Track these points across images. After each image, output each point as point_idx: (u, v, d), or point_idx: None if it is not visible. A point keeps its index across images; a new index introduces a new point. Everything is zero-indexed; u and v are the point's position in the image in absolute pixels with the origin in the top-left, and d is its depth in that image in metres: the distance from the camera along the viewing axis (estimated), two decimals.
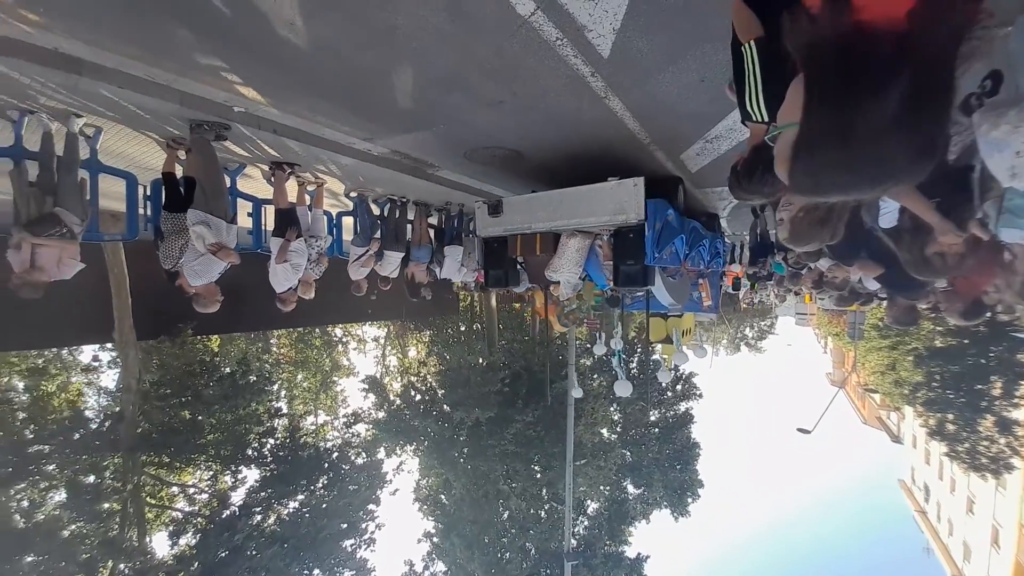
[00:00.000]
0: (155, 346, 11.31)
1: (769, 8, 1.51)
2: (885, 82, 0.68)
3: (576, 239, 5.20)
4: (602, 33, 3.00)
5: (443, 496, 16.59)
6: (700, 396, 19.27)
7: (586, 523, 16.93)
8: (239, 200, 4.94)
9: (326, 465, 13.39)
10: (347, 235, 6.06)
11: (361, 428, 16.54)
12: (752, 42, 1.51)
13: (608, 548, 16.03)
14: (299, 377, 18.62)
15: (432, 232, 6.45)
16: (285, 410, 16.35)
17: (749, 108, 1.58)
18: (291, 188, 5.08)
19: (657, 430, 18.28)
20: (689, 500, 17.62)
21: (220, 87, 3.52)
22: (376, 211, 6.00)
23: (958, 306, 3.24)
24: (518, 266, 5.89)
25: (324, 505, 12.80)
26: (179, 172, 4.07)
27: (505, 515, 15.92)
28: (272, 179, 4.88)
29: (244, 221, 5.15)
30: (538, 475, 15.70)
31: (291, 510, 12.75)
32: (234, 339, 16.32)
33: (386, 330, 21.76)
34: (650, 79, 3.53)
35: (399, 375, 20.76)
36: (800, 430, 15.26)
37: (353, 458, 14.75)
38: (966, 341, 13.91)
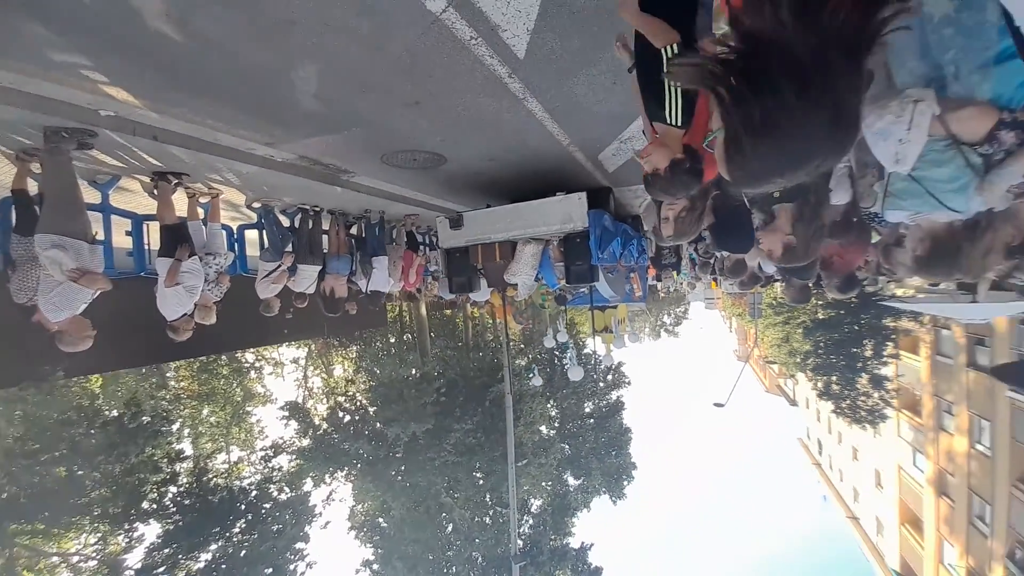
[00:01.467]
0: (17, 395, 9.47)
1: (679, 13, 1.59)
2: (784, 61, 0.69)
3: (531, 245, 5.82)
4: (516, 33, 2.97)
5: (381, 519, 15.78)
6: (629, 383, 20.34)
7: (531, 522, 17.06)
8: (113, 217, 4.28)
9: (242, 507, 12.16)
10: (251, 250, 5.47)
11: (283, 460, 15.26)
12: (673, 46, 1.54)
13: (553, 543, 16.28)
14: (204, 412, 16.61)
15: (352, 242, 6.06)
16: (189, 451, 14.57)
17: (668, 114, 1.63)
18: (179, 201, 4.48)
19: (592, 420, 18.97)
20: (625, 483, 18.49)
21: (83, 88, 2.98)
22: (286, 222, 5.49)
23: (835, 280, 3.75)
24: (479, 272, 6.39)
25: (243, 552, 11.58)
26: (35, 188, 3.42)
27: (449, 528, 15.54)
28: (155, 192, 4.27)
29: (123, 241, 4.47)
30: (480, 481, 15.54)
31: (204, 564, 11.37)
32: (120, 377, 14.18)
33: (306, 350, 20.22)
34: (566, 81, 3.58)
35: (324, 397, 19.40)
36: (716, 404, 16.71)
37: (275, 494, 13.58)
38: (842, 312, 16.12)
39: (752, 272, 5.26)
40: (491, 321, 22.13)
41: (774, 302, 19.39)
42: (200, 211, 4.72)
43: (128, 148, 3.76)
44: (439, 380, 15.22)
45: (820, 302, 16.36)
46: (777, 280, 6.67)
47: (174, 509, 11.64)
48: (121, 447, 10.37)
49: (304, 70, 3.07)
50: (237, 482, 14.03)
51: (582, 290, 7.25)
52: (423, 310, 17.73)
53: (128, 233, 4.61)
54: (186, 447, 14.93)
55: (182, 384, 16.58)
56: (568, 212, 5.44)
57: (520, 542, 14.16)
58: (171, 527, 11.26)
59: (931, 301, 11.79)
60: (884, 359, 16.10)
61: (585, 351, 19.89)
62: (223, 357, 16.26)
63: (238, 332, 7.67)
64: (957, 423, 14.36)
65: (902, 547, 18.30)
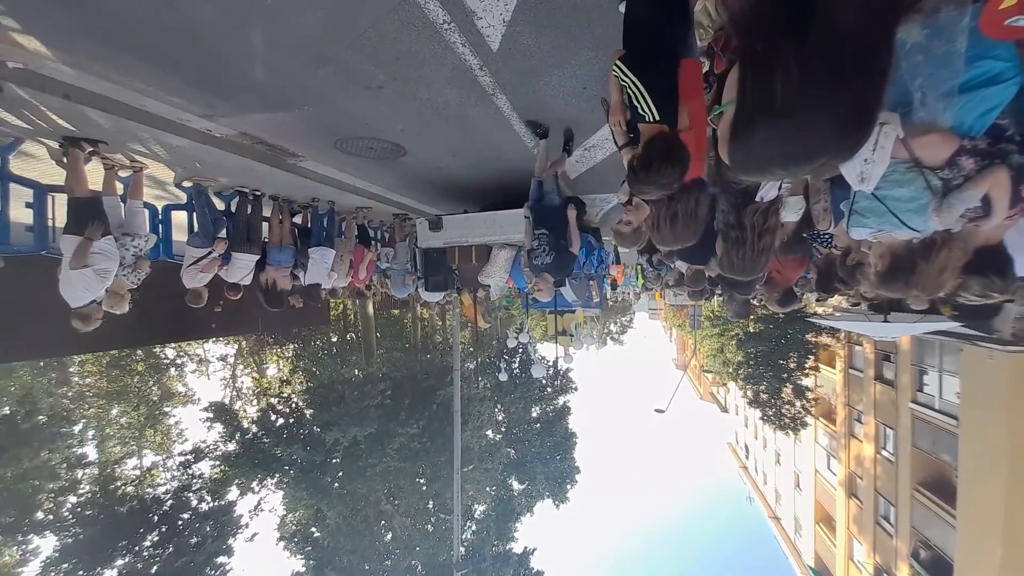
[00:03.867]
0: None
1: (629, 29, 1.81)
2: (801, 49, 0.65)
3: (505, 251, 6.24)
4: (492, 23, 2.84)
5: (314, 529, 14.88)
6: (576, 389, 20.68)
7: (474, 528, 16.83)
8: (12, 185, 3.77)
9: (155, 518, 11.06)
10: (178, 235, 4.91)
11: (205, 466, 14.02)
12: (618, 61, 1.71)
13: (496, 548, 16.13)
14: (114, 412, 14.90)
15: (297, 232, 5.63)
16: (94, 456, 13.07)
17: (642, 111, 1.70)
18: (95, 173, 3.95)
19: (539, 425, 19.05)
20: (568, 487, 18.71)
21: None
22: (220, 206, 4.99)
23: (775, 295, 3.94)
24: (454, 273, 6.76)
25: (155, 568, 10.49)
26: None
27: (388, 536, 14.95)
28: (65, 160, 3.74)
29: (23, 214, 3.95)
30: (424, 488, 15.09)
31: None
32: (12, 371, 12.44)
33: (236, 347, 18.76)
34: (538, 80, 3.49)
35: (255, 398, 18.09)
36: (657, 410, 17.38)
37: (195, 504, 12.43)
38: (771, 326, 17.32)
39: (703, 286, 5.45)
40: (440, 323, 21.74)
41: (712, 315, 20.50)
42: (119, 186, 4.19)
43: (35, 107, 3.25)
44: (384, 382, 14.65)
45: (752, 316, 17.49)
46: (718, 294, 7.00)
47: (73, 520, 10.47)
48: (12, 450, 9.24)
49: (254, 33, 2.76)
50: (150, 490, 12.82)
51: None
52: (370, 309, 17.04)
53: (29, 205, 4.02)
54: (90, 451, 13.44)
55: (88, 381, 14.78)
56: None
57: (462, 549, 13.87)
58: (71, 540, 10.06)
59: (847, 319, 12.93)
60: (806, 371, 17.47)
61: (535, 358, 20.02)
62: (138, 352, 14.70)
63: (157, 324, 6.92)
64: (866, 431, 15.83)
65: (817, 545, 19.88)
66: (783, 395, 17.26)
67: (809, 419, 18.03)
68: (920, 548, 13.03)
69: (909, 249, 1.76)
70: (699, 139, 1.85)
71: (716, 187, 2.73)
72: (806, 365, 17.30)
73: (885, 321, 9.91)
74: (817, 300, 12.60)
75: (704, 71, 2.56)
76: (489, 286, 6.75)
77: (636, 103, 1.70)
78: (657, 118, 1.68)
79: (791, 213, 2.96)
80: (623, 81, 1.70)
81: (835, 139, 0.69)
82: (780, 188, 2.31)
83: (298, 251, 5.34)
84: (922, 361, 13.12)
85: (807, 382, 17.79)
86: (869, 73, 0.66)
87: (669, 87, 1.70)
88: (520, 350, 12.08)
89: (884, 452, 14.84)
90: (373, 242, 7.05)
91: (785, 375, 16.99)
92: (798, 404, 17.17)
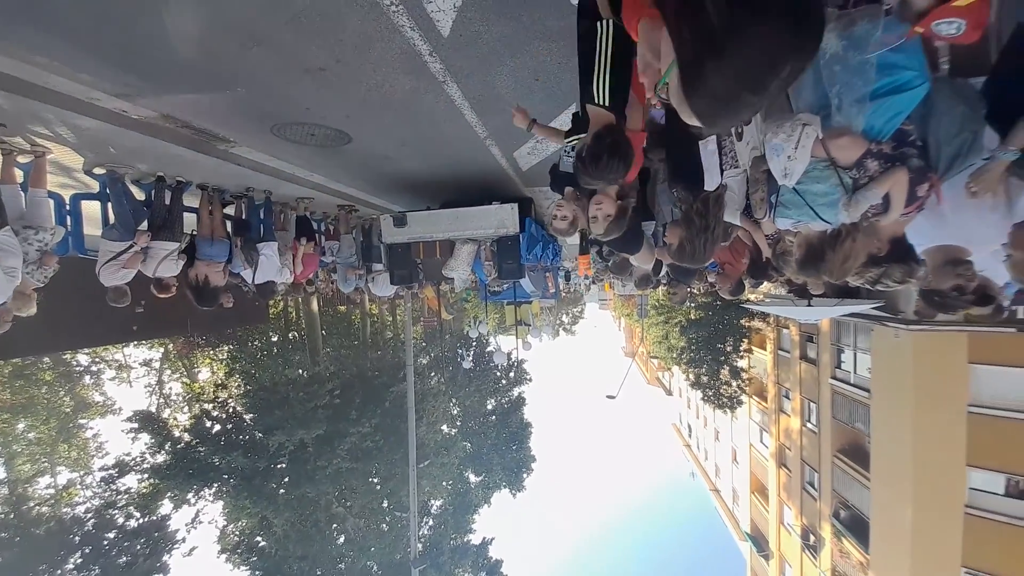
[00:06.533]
0: None
1: None
2: None
3: (468, 245, 6.48)
4: (442, 7, 2.76)
5: (260, 538, 14.12)
6: (530, 380, 20.95)
7: (431, 523, 16.69)
8: None
9: (76, 539, 10.04)
10: (91, 228, 4.41)
11: (131, 480, 12.85)
12: (609, 21, 1.55)
13: (454, 542, 16.12)
14: (20, 427, 13.30)
15: (232, 225, 5.23)
16: (2, 475, 11.67)
17: (595, 88, 1.63)
18: None
19: (494, 417, 19.14)
20: (524, 476, 18.99)
21: None
22: (140, 196, 4.52)
23: (728, 285, 4.21)
24: (418, 267, 6.93)
25: None
26: None
27: (341, 539, 14.49)
28: None
29: None
30: (378, 487, 14.74)
31: None
32: None
33: (162, 350, 17.28)
34: (490, 69, 3.44)
35: (186, 404, 16.78)
36: (608, 396, 18.05)
37: (121, 521, 11.39)
38: (710, 313, 18.45)
39: (646, 273, 5.70)
40: (391, 318, 21.19)
41: (657, 303, 21.48)
42: (18, 173, 3.70)
43: None
44: (332, 381, 14.08)
45: (693, 304, 18.52)
46: (663, 284, 7.38)
47: None
48: None
49: (179, 6, 2.51)
50: (68, 510, 11.58)
51: (507, 286, 8.19)
52: (314, 306, 16.27)
53: None
54: None
55: None
56: (502, 218, 6.15)
57: (420, 545, 13.73)
58: None
59: (776, 304, 13.98)
60: (741, 353, 18.82)
61: (488, 349, 20.04)
62: (45, 360, 13.15)
63: (68, 328, 6.21)
64: (793, 406, 17.30)
65: (753, 512, 21.57)
66: (721, 376, 18.50)
67: (744, 397, 19.48)
68: (840, 509, 14.48)
69: (821, 239, 1.95)
70: (639, 142, 1.92)
71: (671, 177, 2.83)
72: (741, 348, 18.62)
73: (809, 305, 10.82)
74: (751, 287, 13.51)
75: None
76: (453, 279, 6.90)
77: (595, 73, 1.61)
78: (606, 103, 1.63)
79: (732, 212, 3.13)
80: (600, 41, 1.57)
81: (789, 46, 0.63)
82: (723, 175, 2.45)
83: (244, 246, 4.94)
84: (839, 341, 14.50)
85: (742, 364, 19.18)
86: None
87: (626, 81, 1.66)
88: (474, 343, 12.21)
89: (809, 424, 16.31)
90: (317, 235, 6.71)
91: (723, 358, 18.20)
92: (734, 384, 18.48)
